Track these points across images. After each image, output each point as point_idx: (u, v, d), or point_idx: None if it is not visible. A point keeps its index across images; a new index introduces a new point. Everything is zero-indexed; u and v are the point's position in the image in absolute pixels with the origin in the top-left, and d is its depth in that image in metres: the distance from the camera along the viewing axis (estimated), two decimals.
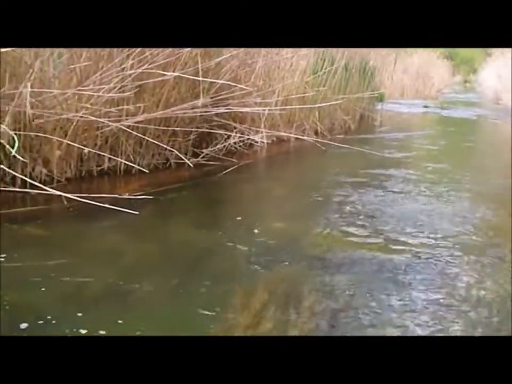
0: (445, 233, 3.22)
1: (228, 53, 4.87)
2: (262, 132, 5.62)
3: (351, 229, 3.24)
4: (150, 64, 4.01)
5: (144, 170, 4.16)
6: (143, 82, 4.19)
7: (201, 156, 4.83)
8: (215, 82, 4.54)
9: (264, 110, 5.54)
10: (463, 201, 4.02)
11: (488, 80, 18.88)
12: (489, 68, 19.77)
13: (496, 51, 19.07)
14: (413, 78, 15.11)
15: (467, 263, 2.80)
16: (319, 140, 5.96)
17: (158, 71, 4.03)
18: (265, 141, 5.68)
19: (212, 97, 4.50)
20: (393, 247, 2.97)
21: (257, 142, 5.66)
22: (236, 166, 4.66)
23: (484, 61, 22.13)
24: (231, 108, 4.87)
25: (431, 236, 3.16)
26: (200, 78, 4.13)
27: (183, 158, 4.26)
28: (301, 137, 6.01)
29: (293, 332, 2.01)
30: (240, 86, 4.50)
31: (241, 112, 5.40)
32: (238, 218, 3.43)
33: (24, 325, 1.94)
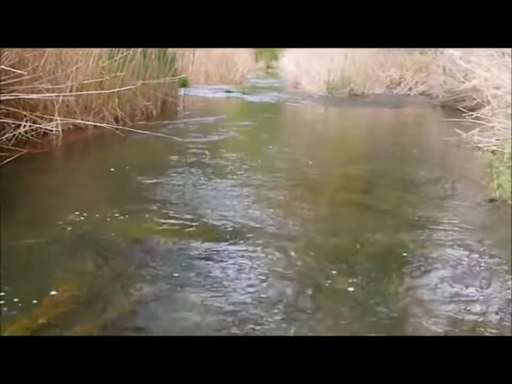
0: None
1: None
2: (56, 120, 5.34)
3: (152, 216, 3.20)
4: None
5: None
6: None
7: None
8: None
9: (58, 96, 5.27)
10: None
11: (289, 66, 19.80)
12: (289, 55, 20.75)
13: None
14: (217, 64, 15.36)
15: None
16: (120, 126, 5.82)
17: None
18: (60, 129, 5.39)
19: None
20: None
21: (51, 131, 5.35)
22: (16, 155, 4.29)
23: (284, 49, 23.15)
24: (17, 94, 4.54)
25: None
26: None
27: None
28: (99, 124, 5.81)
29: None
30: (17, 71, 4.17)
31: (31, 99, 5.07)
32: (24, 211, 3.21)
33: None
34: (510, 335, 2.03)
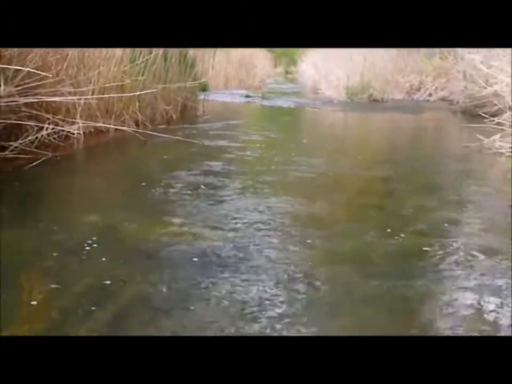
0: None
1: None
2: (78, 123, 5.39)
3: (173, 219, 3.21)
4: None
5: None
6: None
7: (9, 149, 4.50)
8: (20, 70, 4.26)
9: (80, 99, 5.33)
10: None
11: (308, 71, 19.82)
12: (308, 60, 20.75)
13: None
14: (236, 68, 15.44)
15: None
16: (140, 130, 5.86)
17: None
18: (81, 132, 5.45)
19: (16, 86, 4.20)
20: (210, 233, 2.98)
21: (73, 134, 5.41)
22: (44, 158, 4.36)
23: (303, 53, 23.13)
24: (40, 97, 4.59)
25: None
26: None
27: None
28: (120, 127, 5.86)
29: None
30: (42, 73, 4.22)
31: (54, 102, 5.13)
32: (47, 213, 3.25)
33: None
34: (510, 335, 2.02)
